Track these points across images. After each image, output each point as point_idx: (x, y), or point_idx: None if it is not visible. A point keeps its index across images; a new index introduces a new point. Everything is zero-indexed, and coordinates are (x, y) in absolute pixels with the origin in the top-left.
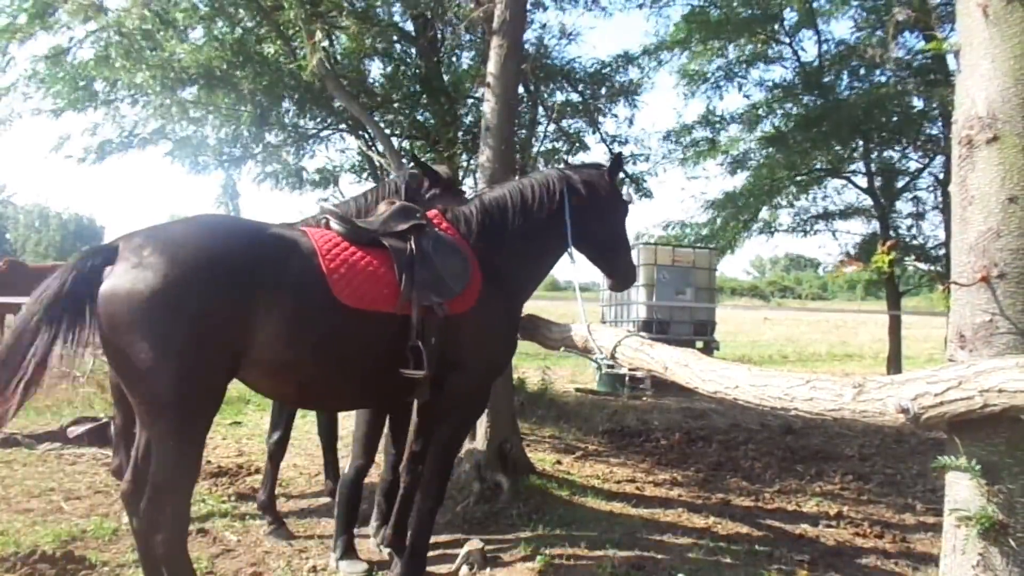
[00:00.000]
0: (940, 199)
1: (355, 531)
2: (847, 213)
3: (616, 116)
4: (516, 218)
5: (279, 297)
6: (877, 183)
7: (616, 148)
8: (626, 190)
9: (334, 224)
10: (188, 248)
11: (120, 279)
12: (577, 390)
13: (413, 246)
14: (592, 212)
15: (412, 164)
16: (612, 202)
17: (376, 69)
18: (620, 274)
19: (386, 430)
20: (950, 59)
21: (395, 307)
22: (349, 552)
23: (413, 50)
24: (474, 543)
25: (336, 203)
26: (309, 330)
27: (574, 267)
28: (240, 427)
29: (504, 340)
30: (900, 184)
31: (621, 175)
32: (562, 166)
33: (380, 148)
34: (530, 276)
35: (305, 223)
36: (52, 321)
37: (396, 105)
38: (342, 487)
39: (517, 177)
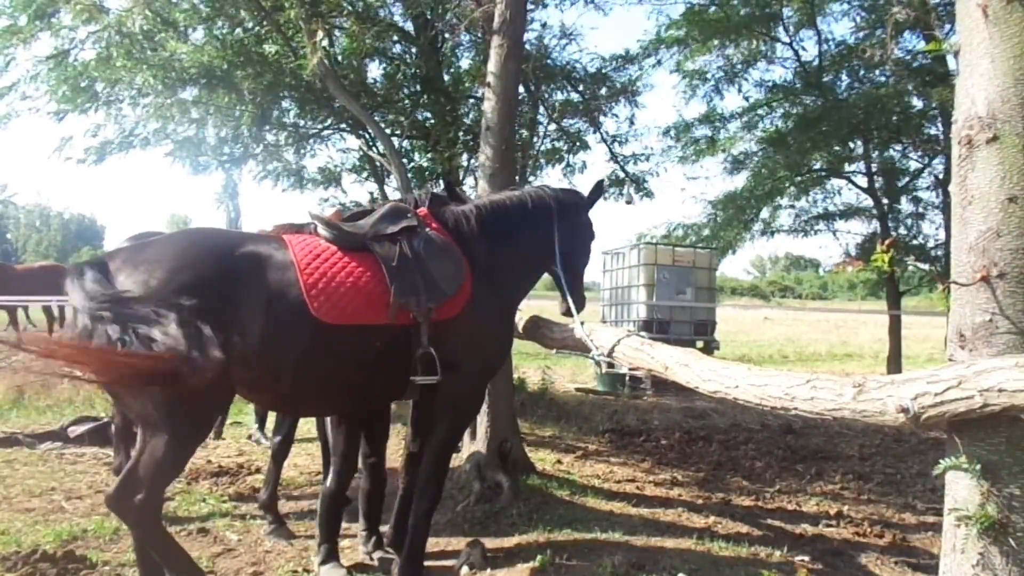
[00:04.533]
0: (940, 199)
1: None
2: (847, 213)
3: (616, 116)
4: (514, 224)
5: (254, 317)
6: (877, 183)
7: (616, 148)
8: (627, 190)
9: (321, 230)
10: (161, 274)
11: None
12: (577, 390)
13: (405, 249)
14: (573, 234)
15: (441, 185)
16: (586, 230)
17: (376, 69)
18: (577, 299)
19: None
20: (950, 59)
21: (385, 317)
22: (331, 558)
23: (413, 50)
24: (474, 543)
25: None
26: (286, 349)
27: (561, 278)
28: (240, 427)
29: (497, 341)
30: (900, 184)
31: (621, 176)
32: (546, 187)
33: (380, 148)
34: (523, 282)
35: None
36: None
37: (397, 105)
38: (324, 497)
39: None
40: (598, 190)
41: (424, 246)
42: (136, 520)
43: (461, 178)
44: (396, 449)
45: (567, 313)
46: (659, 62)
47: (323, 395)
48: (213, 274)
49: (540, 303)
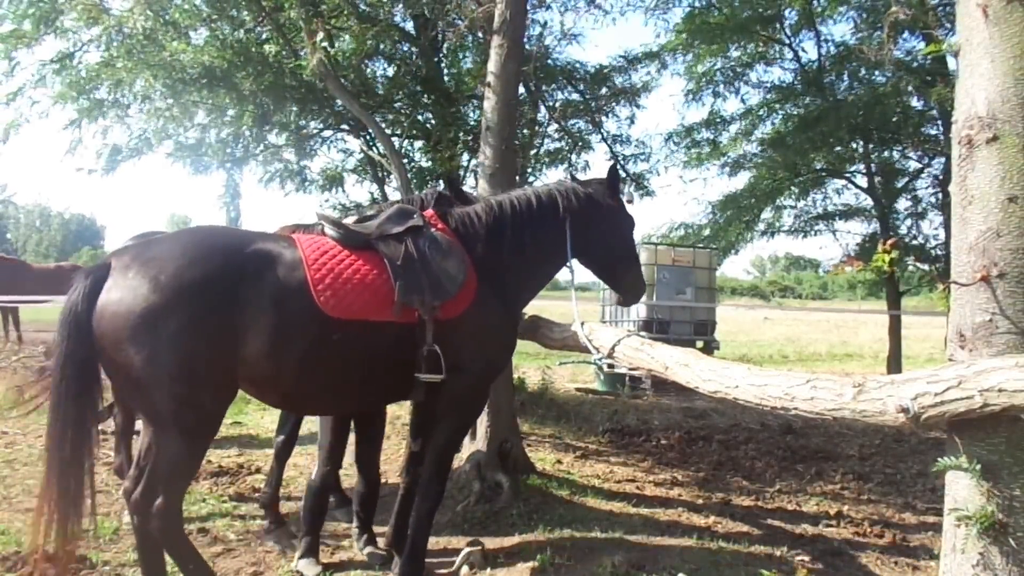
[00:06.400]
0: (940, 199)
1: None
2: (847, 213)
3: (617, 116)
4: (519, 224)
5: (262, 314)
6: (877, 183)
7: (617, 148)
8: (627, 189)
9: (328, 229)
10: (169, 271)
11: (107, 298)
12: (577, 390)
13: (410, 249)
14: (594, 226)
15: (444, 185)
16: (614, 217)
17: (377, 69)
18: (626, 288)
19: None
20: (950, 59)
21: (390, 314)
22: (310, 553)
23: (414, 50)
24: (474, 543)
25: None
26: (294, 345)
27: (573, 276)
28: (240, 427)
29: (502, 341)
30: (900, 184)
31: (622, 176)
32: (569, 179)
33: (381, 148)
34: (529, 281)
35: (299, 228)
36: (69, 338)
37: (397, 105)
38: (308, 493)
39: (517, 179)
40: (613, 175)
41: (429, 246)
42: (158, 526)
43: (461, 178)
44: (396, 450)
45: (620, 303)
46: (663, 65)
47: (328, 392)
48: (222, 271)
49: (541, 303)
